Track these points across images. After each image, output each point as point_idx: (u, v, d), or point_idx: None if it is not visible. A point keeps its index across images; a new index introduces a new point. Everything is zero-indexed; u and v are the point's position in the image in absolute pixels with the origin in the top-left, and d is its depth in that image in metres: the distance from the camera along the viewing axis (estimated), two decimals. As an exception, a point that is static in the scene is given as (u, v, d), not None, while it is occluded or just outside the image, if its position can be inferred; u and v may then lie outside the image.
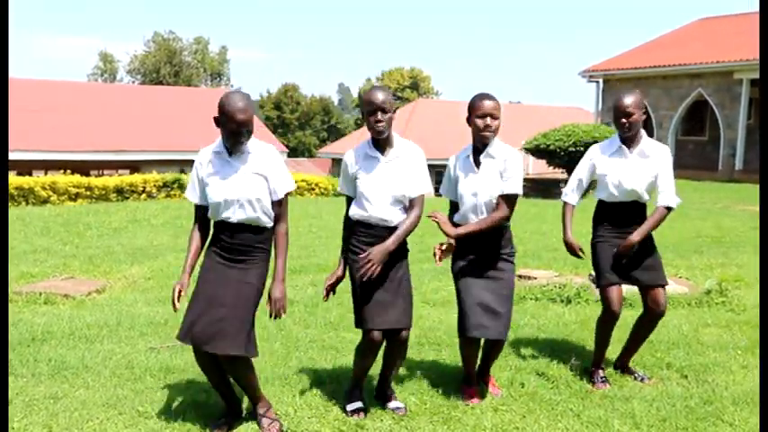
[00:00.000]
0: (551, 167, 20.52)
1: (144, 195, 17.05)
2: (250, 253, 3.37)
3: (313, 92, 77.66)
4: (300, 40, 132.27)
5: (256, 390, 3.52)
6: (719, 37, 23.27)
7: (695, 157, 22.54)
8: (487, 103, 3.71)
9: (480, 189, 3.77)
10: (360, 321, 3.60)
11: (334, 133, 58.24)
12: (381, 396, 3.86)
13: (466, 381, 4.01)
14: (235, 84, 60.59)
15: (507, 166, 3.76)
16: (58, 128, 24.29)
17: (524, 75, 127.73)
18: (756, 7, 23.27)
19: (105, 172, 23.08)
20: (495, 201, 3.76)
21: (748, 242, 9.45)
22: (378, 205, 3.55)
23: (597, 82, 24.78)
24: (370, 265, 3.46)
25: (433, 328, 5.25)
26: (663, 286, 4.18)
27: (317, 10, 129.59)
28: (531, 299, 6.15)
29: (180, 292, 3.38)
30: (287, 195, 3.43)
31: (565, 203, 4.33)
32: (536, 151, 19.85)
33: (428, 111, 34.20)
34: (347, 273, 3.73)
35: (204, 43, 57.79)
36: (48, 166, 22.22)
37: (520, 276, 6.88)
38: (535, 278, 6.74)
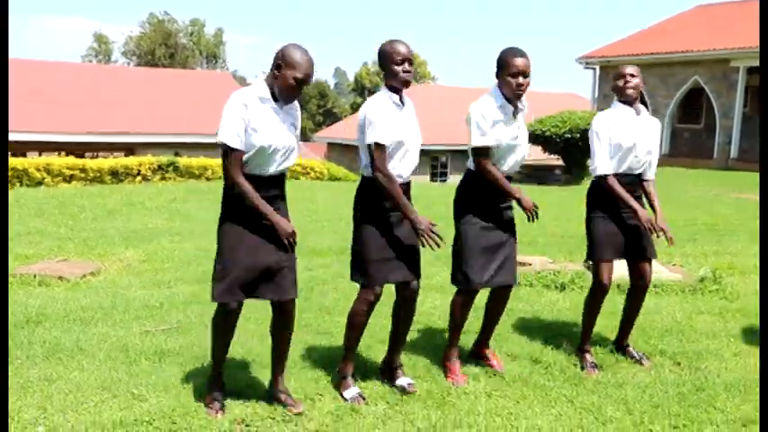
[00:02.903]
0: (547, 154, 20.53)
1: (139, 178, 16.99)
2: (280, 200, 3.42)
3: (309, 75, 77.27)
4: (296, 24, 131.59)
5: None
6: (716, 25, 23.23)
7: (691, 145, 22.56)
8: (521, 61, 3.72)
9: (521, 137, 3.88)
10: (364, 276, 3.59)
11: (330, 117, 58.11)
12: (389, 369, 3.88)
13: (449, 357, 4.05)
14: (230, 66, 60.30)
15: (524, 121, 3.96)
16: (53, 109, 24.13)
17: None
18: (755, -5, 23.19)
19: (100, 154, 22.97)
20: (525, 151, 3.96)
21: (742, 230, 9.50)
22: (408, 156, 3.62)
23: (594, 69, 24.73)
24: (430, 234, 3.52)
25: (429, 312, 5.26)
26: (650, 260, 4.28)
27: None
28: (525, 285, 6.17)
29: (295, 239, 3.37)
30: None
31: (606, 176, 4.09)
32: (531, 137, 19.83)
33: (425, 96, 34.08)
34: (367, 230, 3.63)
35: (200, 25, 57.50)
36: (42, 147, 22.11)
37: (515, 262, 6.89)
38: (530, 264, 6.75)
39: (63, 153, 17.94)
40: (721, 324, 5.09)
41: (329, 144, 32.95)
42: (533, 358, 4.33)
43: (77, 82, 27.02)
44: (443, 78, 73.36)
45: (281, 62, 3.22)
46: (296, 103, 3.44)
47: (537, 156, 22.30)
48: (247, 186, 3.24)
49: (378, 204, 3.60)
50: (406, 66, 3.51)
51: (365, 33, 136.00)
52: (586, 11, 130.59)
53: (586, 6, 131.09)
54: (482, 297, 4.21)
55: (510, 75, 3.72)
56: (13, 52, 59.39)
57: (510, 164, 3.90)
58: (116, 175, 16.83)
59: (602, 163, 4.10)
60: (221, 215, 3.42)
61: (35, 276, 6.40)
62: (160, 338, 4.67)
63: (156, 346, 4.47)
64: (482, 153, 3.78)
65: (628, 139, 4.09)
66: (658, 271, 6.31)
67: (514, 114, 3.83)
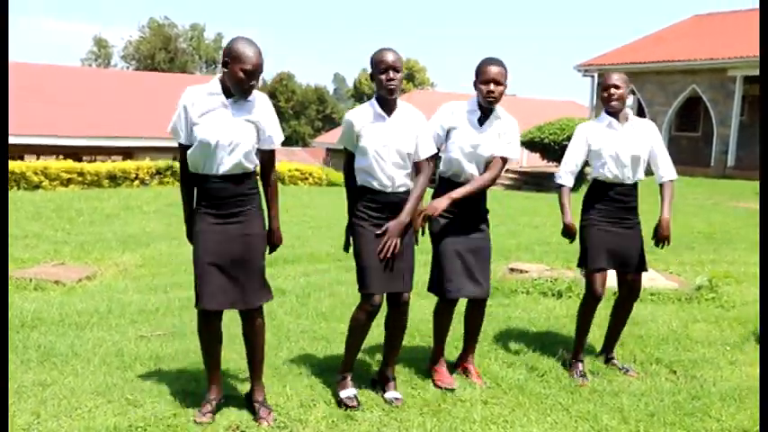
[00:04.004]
0: (545, 161, 20.56)
1: (137, 182, 16.98)
2: (242, 204, 3.33)
3: (308, 81, 77.31)
4: (296, 29, 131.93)
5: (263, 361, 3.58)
6: (714, 34, 23.29)
7: (688, 153, 22.56)
8: (493, 69, 3.78)
9: (484, 144, 3.86)
10: (363, 285, 3.60)
11: (329, 123, 58.07)
12: (382, 380, 3.87)
13: (435, 360, 4.08)
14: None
15: (509, 131, 3.91)
16: (51, 112, 24.11)
17: (520, 68, 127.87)
18: (753, 4, 23.34)
19: (98, 158, 22.96)
20: (489, 159, 3.88)
21: (739, 238, 9.51)
22: (384, 164, 3.56)
23: (592, 76, 24.72)
24: (388, 240, 3.52)
25: (424, 319, 5.23)
26: (641, 272, 4.27)
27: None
28: (522, 292, 6.16)
29: None
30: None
31: (561, 186, 4.28)
32: (530, 144, 19.89)
33: (423, 102, 34.13)
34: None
35: (200, 30, 57.60)
36: (40, 150, 22.08)
37: (512, 270, 6.90)
38: (527, 272, 6.75)
39: (61, 157, 17.91)
40: (717, 332, 5.09)
41: (328, 149, 32.97)
42: (529, 365, 4.32)
43: (76, 85, 27.02)
44: (442, 85, 73.45)
45: (228, 58, 3.21)
46: (258, 97, 3.36)
47: (536, 163, 22.35)
48: (184, 187, 3.42)
49: (366, 211, 3.61)
50: (390, 74, 3.50)
51: (364, 39, 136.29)
52: (585, 19, 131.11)
53: (585, 14, 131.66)
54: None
55: (481, 82, 3.81)
56: (13, 55, 59.43)
57: (466, 170, 3.90)
58: (114, 179, 16.82)
59: (563, 172, 4.25)
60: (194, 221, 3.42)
61: (31, 280, 6.39)
62: (156, 344, 4.66)
63: (151, 352, 4.46)
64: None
65: (610, 147, 4.11)
66: (655, 279, 6.32)
67: (480, 121, 3.87)
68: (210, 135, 3.23)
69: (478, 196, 3.92)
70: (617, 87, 4.07)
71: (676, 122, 23.32)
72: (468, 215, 3.91)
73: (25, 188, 15.42)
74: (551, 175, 21.87)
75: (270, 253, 3.49)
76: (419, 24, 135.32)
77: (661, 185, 4.22)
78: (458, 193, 3.80)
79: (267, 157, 3.43)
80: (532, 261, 7.50)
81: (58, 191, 15.44)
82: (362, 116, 3.61)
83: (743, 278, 6.76)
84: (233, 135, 3.25)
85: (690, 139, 23.19)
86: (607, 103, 4.11)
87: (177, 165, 15.86)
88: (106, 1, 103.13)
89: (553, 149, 19.08)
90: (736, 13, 24.80)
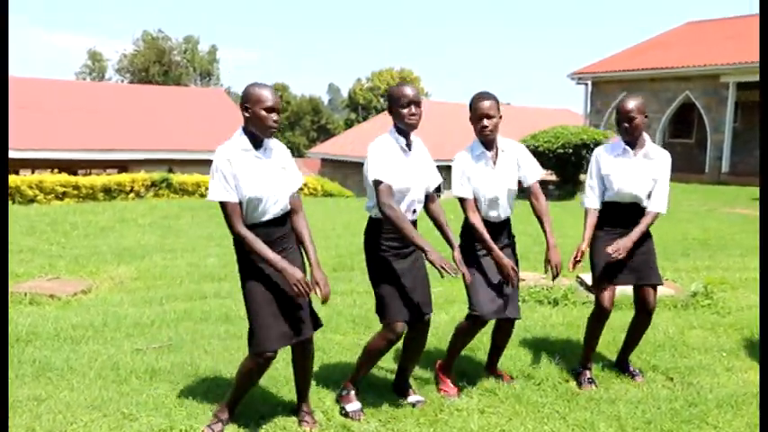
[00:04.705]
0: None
1: (132, 195, 16.96)
2: (286, 242, 3.42)
3: (303, 92, 77.40)
4: (290, 40, 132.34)
5: None
6: (707, 40, 23.43)
7: (682, 160, 22.62)
8: (483, 105, 3.85)
9: (503, 182, 3.93)
10: (386, 314, 3.63)
11: (324, 133, 58.20)
12: (400, 390, 3.95)
13: (446, 369, 4.19)
14: (224, 83, 60.43)
15: (521, 156, 4.01)
16: (46, 126, 24.11)
17: (514, 76, 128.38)
18: (749, 10, 23.49)
19: (93, 171, 22.93)
20: (515, 192, 4.01)
21: (734, 245, 9.52)
22: (411, 198, 3.65)
23: (586, 84, 24.84)
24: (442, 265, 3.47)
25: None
26: (655, 286, 4.23)
27: (308, 10, 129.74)
28: (518, 300, 6.14)
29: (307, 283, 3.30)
30: None
31: (585, 209, 4.31)
32: (525, 153, 19.89)
33: (418, 112, 34.12)
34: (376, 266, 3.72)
35: (194, 42, 57.63)
36: (35, 164, 22.07)
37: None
38: (523, 280, 6.73)
39: (56, 170, 17.88)
40: (714, 339, 5.09)
41: (322, 160, 32.95)
42: (526, 374, 4.32)
43: (71, 99, 27.02)
44: (436, 94, 73.63)
45: (247, 103, 3.29)
46: (280, 145, 3.48)
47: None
48: (250, 236, 3.27)
49: (386, 243, 3.64)
50: (413, 108, 3.56)
51: (359, 50, 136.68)
52: (579, 27, 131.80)
53: (579, 22, 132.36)
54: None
55: (475, 119, 3.87)
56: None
57: (493, 210, 3.98)
58: (109, 192, 16.79)
59: (585, 194, 4.33)
60: (239, 269, 3.42)
61: (26, 295, 6.37)
62: (151, 357, 4.64)
63: (146, 365, 4.44)
64: (462, 202, 3.96)
65: (617, 175, 4.13)
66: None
67: (495, 161, 3.94)
68: (260, 191, 3.29)
69: (506, 225, 4.05)
70: (632, 119, 4.03)
71: (670, 129, 23.41)
72: (501, 242, 4.00)
73: (20, 202, 15.38)
74: (546, 184, 21.72)
75: (323, 302, 3.46)
76: (413, 34, 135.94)
77: (646, 212, 4.17)
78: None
79: (295, 197, 3.49)
80: (528, 269, 7.49)
81: (52, 204, 15.41)
82: (392, 149, 3.62)
83: (738, 284, 6.77)
84: (276, 185, 3.35)
85: (684, 146, 23.28)
86: (623, 133, 4.13)
87: (172, 177, 15.68)
88: (100, 14, 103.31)
89: (547, 157, 19.08)
90: (730, 19, 24.97)
